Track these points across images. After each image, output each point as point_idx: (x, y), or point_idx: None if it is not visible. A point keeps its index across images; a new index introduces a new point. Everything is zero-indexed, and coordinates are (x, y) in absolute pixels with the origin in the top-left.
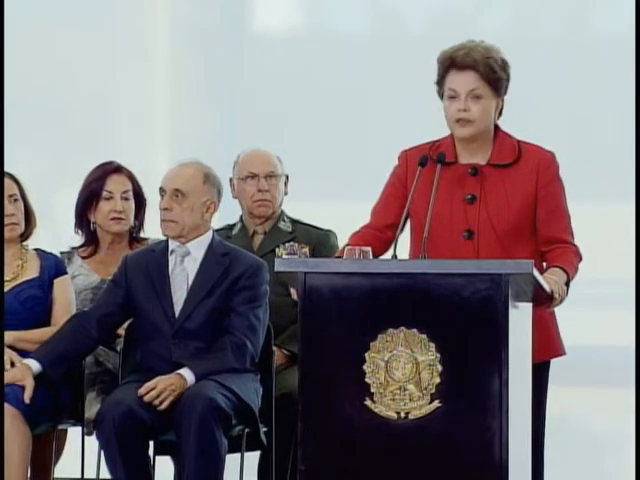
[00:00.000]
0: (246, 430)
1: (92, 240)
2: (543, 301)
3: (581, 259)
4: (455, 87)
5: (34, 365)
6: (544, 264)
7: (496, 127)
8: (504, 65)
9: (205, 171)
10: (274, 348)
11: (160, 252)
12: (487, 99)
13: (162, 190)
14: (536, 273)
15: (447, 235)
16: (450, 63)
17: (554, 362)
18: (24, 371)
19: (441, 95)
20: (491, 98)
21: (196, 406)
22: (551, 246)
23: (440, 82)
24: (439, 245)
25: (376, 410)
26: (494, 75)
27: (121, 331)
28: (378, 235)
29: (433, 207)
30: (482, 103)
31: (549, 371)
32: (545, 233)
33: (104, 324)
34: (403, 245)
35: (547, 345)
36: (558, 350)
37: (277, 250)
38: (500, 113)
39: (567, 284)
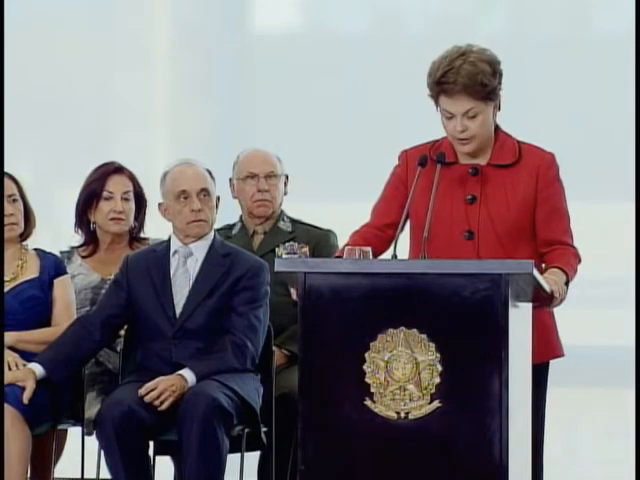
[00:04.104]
0: (246, 430)
1: (92, 240)
2: (543, 301)
3: (580, 261)
4: (449, 109)
5: (37, 369)
6: (543, 265)
7: (496, 127)
8: (494, 70)
9: (206, 168)
10: (274, 348)
11: (162, 252)
12: (483, 112)
13: (184, 192)
14: (536, 273)
15: (447, 235)
16: (440, 90)
17: (554, 362)
18: (27, 373)
19: (437, 105)
20: (487, 109)
21: (198, 405)
22: (550, 247)
23: (434, 99)
24: (439, 245)
25: (376, 410)
26: (486, 89)
27: (121, 331)
28: (378, 234)
29: (433, 207)
30: (479, 118)
31: (548, 372)
32: (545, 235)
33: (107, 326)
34: (403, 245)
35: (546, 346)
36: (557, 351)
37: (277, 250)
38: (499, 108)
39: (566, 285)
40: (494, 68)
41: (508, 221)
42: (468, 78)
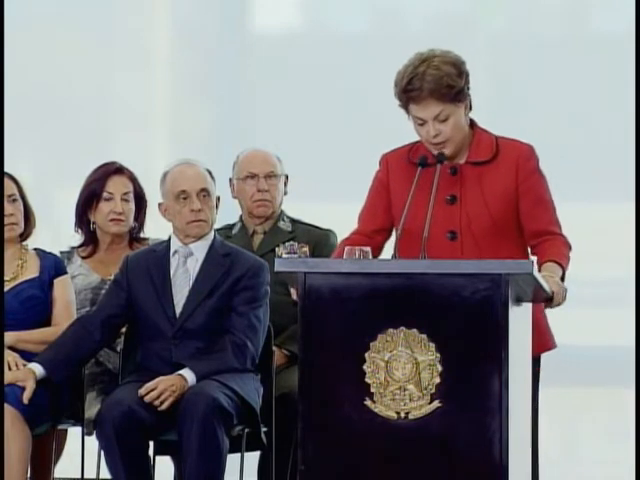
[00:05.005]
0: (246, 430)
1: (91, 240)
2: (543, 301)
3: (571, 248)
4: (419, 116)
5: (38, 369)
6: (535, 258)
7: (473, 125)
8: (460, 71)
9: (206, 168)
10: (274, 348)
11: (162, 252)
12: (454, 114)
13: (184, 192)
14: (536, 273)
15: (431, 236)
16: (407, 98)
17: (554, 362)
18: (27, 373)
19: (408, 113)
20: (457, 110)
21: (198, 405)
22: (539, 239)
23: (403, 108)
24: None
25: (376, 410)
26: (453, 90)
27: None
28: (367, 241)
29: (412, 207)
30: (451, 121)
31: (540, 365)
32: (531, 226)
33: (107, 326)
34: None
35: (538, 340)
36: (548, 344)
37: (277, 250)
38: (470, 108)
39: (562, 278)
40: (459, 69)
41: (490, 218)
42: (434, 82)
